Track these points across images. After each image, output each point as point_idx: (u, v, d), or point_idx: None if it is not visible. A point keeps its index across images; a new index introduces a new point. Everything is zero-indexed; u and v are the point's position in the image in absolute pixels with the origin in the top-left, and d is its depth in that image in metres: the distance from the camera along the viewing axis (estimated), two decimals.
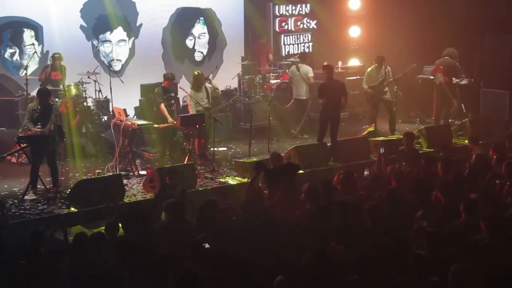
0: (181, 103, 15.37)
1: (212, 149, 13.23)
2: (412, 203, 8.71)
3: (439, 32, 16.87)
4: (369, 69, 15.09)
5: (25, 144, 11.23)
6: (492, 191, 9.24)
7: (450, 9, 17.05)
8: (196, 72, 13.55)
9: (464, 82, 15.60)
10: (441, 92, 15.30)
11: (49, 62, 14.43)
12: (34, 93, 13.25)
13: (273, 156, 10.76)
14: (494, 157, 10.57)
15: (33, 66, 14.52)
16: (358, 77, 16.89)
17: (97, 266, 7.25)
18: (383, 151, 11.20)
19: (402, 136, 12.32)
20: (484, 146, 12.14)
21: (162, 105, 12.87)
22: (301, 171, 11.65)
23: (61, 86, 14.16)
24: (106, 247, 7.68)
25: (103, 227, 8.61)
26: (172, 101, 13.19)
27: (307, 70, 15.38)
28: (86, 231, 8.98)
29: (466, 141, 14.05)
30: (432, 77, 15.65)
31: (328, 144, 13.16)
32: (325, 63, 14.26)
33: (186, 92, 13.53)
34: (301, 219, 8.56)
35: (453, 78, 15.39)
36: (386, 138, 13.73)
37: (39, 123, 11.17)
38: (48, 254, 7.59)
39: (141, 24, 16.14)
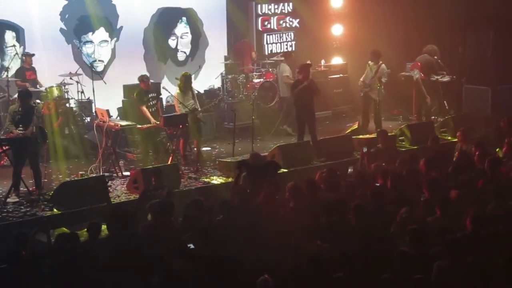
0: (164, 103, 15.37)
1: (195, 149, 13.23)
2: (395, 201, 8.72)
3: (422, 29, 16.92)
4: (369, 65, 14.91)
5: (7, 147, 11.15)
6: (474, 187, 9.27)
7: (433, 6, 17.11)
8: (185, 73, 13.41)
9: (446, 79, 15.66)
10: (417, 88, 15.36)
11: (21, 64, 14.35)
12: (15, 95, 13.17)
13: (252, 156, 10.78)
14: (477, 153, 10.62)
15: (14, 67, 14.40)
16: (341, 75, 16.95)
17: (80, 267, 7.21)
18: (365, 150, 11.24)
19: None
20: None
21: (144, 107, 12.83)
22: (284, 170, 11.67)
23: (42, 88, 14.08)
24: (87, 247, 7.65)
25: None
26: (154, 102, 13.14)
27: (283, 69, 15.57)
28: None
29: (449, 137, 14.16)
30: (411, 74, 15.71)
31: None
32: (303, 63, 14.25)
33: (170, 93, 13.49)
34: (286, 217, 8.56)
35: (433, 75, 15.44)
36: (369, 136, 13.76)
37: (20, 125, 11.09)
38: (31, 256, 7.54)
39: (122, 25, 16.08)
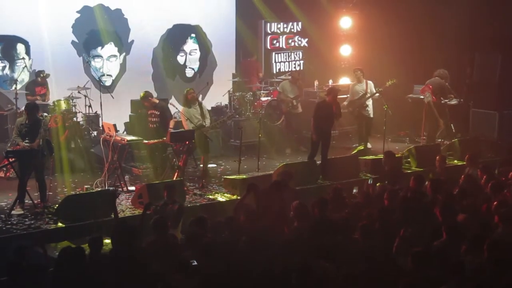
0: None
1: (201, 165, 13.23)
2: (400, 222, 8.69)
3: (430, 52, 16.95)
4: (350, 85, 15.34)
5: (13, 159, 11.16)
6: (479, 211, 9.23)
7: (441, 29, 17.14)
8: (187, 89, 13.53)
9: (453, 102, 15.66)
10: (429, 111, 15.37)
11: (34, 76, 14.40)
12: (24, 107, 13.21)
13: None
14: (484, 177, 10.59)
15: (22, 80, 14.46)
16: (348, 95, 16.95)
17: (79, 282, 7.20)
18: (371, 181, 11.27)
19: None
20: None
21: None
22: None
23: (50, 102, 14.13)
24: (90, 262, 7.63)
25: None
26: (154, 119, 13.14)
27: (281, 86, 16.05)
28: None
29: (456, 161, 14.13)
30: (422, 97, 15.71)
31: (318, 162, 13.16)
32: (332, 86, 14.47)
33: (177, 109, 13.51)
34: (289, 236, 8.53)
35: (442, 98, 15.46)
36: (375, 157, 13.74)
37: (27, 138, 11.11)
38: (31, 269, 7.52)
39: (132, 40, 16.17)
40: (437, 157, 12.45)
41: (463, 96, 16.32)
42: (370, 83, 15.21)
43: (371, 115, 15.18)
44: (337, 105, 13.41)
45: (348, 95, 15.48)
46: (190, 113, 13.04)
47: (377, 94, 15.08)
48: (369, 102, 15.21)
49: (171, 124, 13.06)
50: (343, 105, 15.28)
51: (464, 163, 12.56)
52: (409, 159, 13.89)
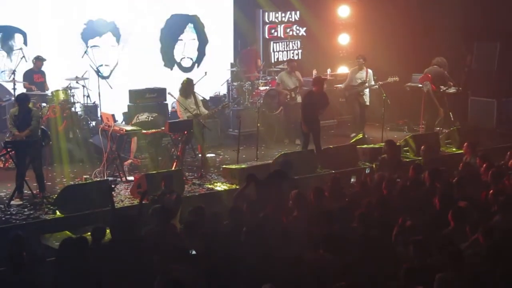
0: (170, 109, 15.40)
1: (199, 155, 13.24)
2: (399, 211, 8.71)
3: (428, 41, 16.95)
4: (350, 70, 15.42)
5: (11, 149, 11.16)
6: (479, 199, 9.26)
7: (439, 18, 17.13)
8: (186, 79, 13.54)
9: (452, 90, 15.65)
10: (428, 100, 15.38)
11: (31, 66, 14.37)
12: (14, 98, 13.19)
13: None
14: (484, 165, 10.60)
15: (21, 70, 14.43)
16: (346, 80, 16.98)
17: (82, 272, 7.22)
18: (368, 171, 11.28)
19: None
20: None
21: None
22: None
23: (49, 92, 14.11)
24: (91, 252, 7.65)
25: (90, 233, 8.57)
26: None
27: (278, 77, 15.95)
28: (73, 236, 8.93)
29: (454, 149, 14.15)
30: (420, 85, 15.72)
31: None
32: (317, 76, 14.48)
33: (175, 98, 13.50)
34: (288, 226, 8.55)
35: (441, 87, 15.46)
36: (374, 146, 13.76)
37: (21, 129, 11.11)
38: (31, 259, 7.54)
39: (130, 30, 16.12)
40: (422, 147, 12.41)
41: (461, 84, 16.32)
42: (370, 72, 15.37)
43: (367, 103, 15.35)
44: (324, 94, 13.47)
45: (346, 80, 15.62)
46: (186, 103, 13.04)
47: (376, 86, 15.20)
48: (366, 91, 15.36)
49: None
50: (339, 89, 15.43)
51: (462, 151, 12.55)
52: (407, 148, 13.89)
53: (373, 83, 15.43)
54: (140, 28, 16.25)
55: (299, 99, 15.20)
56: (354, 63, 16.09)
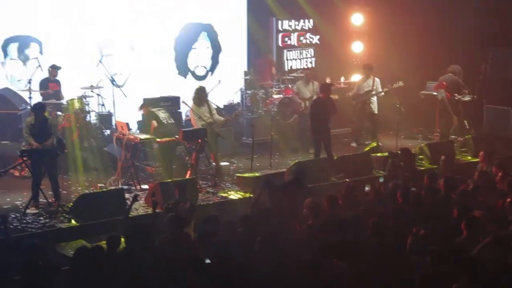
0: (184, 117, 15.43)
1: (213, 163, 13.25)
2: (413, 220, 8.67)
3: (443, 48, 16.89)
4: (358, 80, 15.48)
5: (27, 158, 11.23)
6: (495, 207, 9.20)
7: (454, 26, 17.07)
8: (198, 87, 13.57)
9: (467, 98, 15.60)
10: (443, 108, 15.33)
11: (47, 75, 14.46)
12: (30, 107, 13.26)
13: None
14: (500, 174, 10.54)
15: (37, 79, 14.52)
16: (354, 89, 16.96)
17: (97, 281, 7.23)
18: (382, 180, 11.25)
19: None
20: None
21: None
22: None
23: (64, 101, 14.18)
24: (106, 261, 7.66)
25: (105, 241, 8.59)
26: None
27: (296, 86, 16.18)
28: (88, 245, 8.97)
29: (469, 157, 14.08)
30: (435, 93, 15.67)
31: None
32: (324, 82, 14.52)
33: (189, 106, 13.53)
34: (302, 234, 8.53)
35: (456, 95, 15.40)
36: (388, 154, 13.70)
37: (37, 138, 11.16)
38: (46, 268, 7.57)
39: (145, 38, 16.18)
40: (442, 157, 12.35)
41: (477, 92, 16.25)
42: (377, 80, 15.37)
43: (375, 111, 15.35)
44: (331, 101, 13.47)
45: (354, 89, 15.73)
46: (200, 111, 13.07)
47: (382, 93, 15.26)
48: (374, 99, 15.34)
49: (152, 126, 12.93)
50: (347, 97, 15.42)
51: (477, 159, 12.49)
52: (422, 156, 13.84)
53: (380, 90, 15.39)
54: (154, 37, 16.31)
55: None
56: (362, 72, 16.08)
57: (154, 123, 12.77)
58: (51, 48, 15.03)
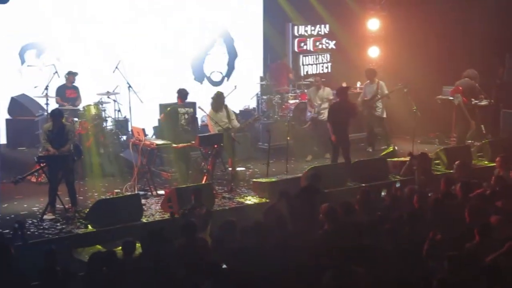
0: (200, 122, 15.45)
1: (229, 169, 13.26)
2: (430, 225, 8.63)
3: (459, 53, 16.81)
4: (364, 85, 15.64)
5: (44, 164, 11.29)
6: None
7: (470, 30, 17.00)
8: (217, 92, 13.58)
9: (483, 103, 15.51)
10: (460, 113, 15.26)
11: (64, 81, 14.54)
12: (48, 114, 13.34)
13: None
14: None
15: (53, 86, 14.62)
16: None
17: (112, 286, 7.26)
18: (399, 185, 11.21)
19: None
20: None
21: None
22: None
23: (80, 107, 14.26)
24: (121, 266, 7.69)
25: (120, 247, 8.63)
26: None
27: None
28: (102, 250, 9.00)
29: (486, 162, 13.99)
30: (451, 98, 15.60)
31: None
32: (340, 86, 14.49)
33: (205, 112, 13.56)
34: (319, 240, 8.51)
35: (472, 99, 15.32)
36: (404, 159, 13.64)
37: (55, 144, 11.23)
38: (63, 273, 7.60)
39: (161, 44, 16.24)
40: (456, 162, 12.26)
41: (493, 97, 16.15)
42: (382, 83, 15.30)
43: (383, 115, 15.34)
44: (350, 103, 13.44)
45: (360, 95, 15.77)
46: (217, 116, 13.09)
47: (387, 96, 15.24)
48: (379, 103, 15.31)
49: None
50: (357, 102, 15.39)
51: (494, 164, 12.40)
52: (438, 161, 13.77)
53: (386, 93, 15.32)
54: (170, 41, 16.37)
55: (325, 115, 14.89)
56: (380, 77, 16.01)
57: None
58: (68, 54, 15.12)
